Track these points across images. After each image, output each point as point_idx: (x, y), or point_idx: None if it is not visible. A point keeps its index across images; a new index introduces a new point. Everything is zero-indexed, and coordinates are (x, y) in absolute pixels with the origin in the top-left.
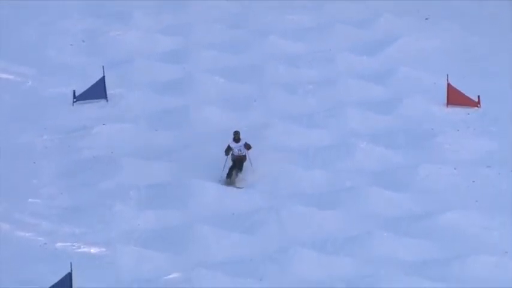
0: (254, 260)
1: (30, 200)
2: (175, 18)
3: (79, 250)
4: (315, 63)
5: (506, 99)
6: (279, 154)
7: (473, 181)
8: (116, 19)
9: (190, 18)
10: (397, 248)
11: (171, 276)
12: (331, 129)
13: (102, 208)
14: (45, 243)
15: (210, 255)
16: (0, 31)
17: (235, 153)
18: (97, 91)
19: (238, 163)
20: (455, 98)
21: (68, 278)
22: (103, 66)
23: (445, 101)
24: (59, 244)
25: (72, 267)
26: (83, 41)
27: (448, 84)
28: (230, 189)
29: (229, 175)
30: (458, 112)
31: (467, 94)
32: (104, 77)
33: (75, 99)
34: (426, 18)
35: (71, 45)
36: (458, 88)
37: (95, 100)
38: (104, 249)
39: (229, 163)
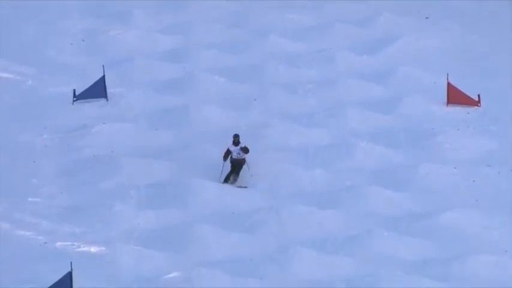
0: (254, 260)
1: (30, 199)
2: (175, 18)
3: (79, 249)
4: (315, 63)
5: (506, 99)
6: (279, 153)
7: (474, 180)
8: (116, 18)
9: (190, 18)
10: (397, 248)
11: (171, 275)
12: (331, 128)
13: (102, 207)
14: (45, 243)
15: (210, 254)
16: (0, 30)
17: (234, 157)
18: (97, 90)
19: (237, 166)
20: (455, 97)
21: (68, 277)
22: (103, 66)
23: (445, 100)
24: (59, 243)
25: (72, 266)
26: (83, 40)
27: (448, 84)
28: (230, 188)
29: (226, 180)
30: (459, 111)
31: (467, 93)
32: (104, 76)
33: (75, 99)
34: (426, 18)
35: (71, 44)
36: (459, 87)
37: (95, 99)
38: (104, 249)
39: (227, 167)
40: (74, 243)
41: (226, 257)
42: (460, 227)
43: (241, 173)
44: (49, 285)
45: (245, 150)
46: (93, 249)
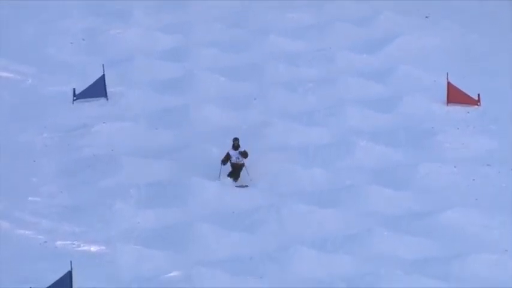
0: (254, 259)
1: (30, 198)
2: (175, 17)
3: (79, 249)
4: (315, 62)
5: (506, 98)
6: (279, 153)
7: (473, 179)
8: (116, 17)
9: (190, 17)
10: (397, 247)
11: (171, 274)
12: (331, 127)
13: (102, 207)
14: (45, 242)
15: (210, 253)
16: (0, 29)
17: (233, 161)
18: (97, 89)
19: (236, 169)
20: (455, 96)
21: (68, 276)
22: (103, 65)
23: (445, 100)
24: (59, 242)
25: (72, 265)
26: (83, 40)
27: (448, 83)
28: (230, 188)
29: (229, 175)
30: (458, 110)
31: (467, 92)
32: (104, 75)
33: (75, 98)
34: (426, 17)
35: (71, 43)
36: (459, 86)
37: (95, 98)
38: (103, 248)
39: (224, 170)
40: (74, 242)
41: (226, 256)
42: (460, 226)
43: (241, 173)
44: (49, 284)
45: (244, 154)
46: (93, 248)
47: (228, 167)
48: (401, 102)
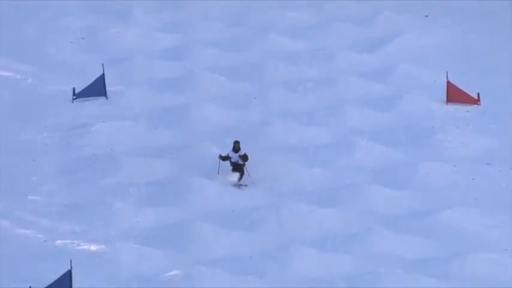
0: (254, 258)
1: (30, 197)
2: (175, 16)
3: (79, 248)
4: (315, 61)
5: (506, 97)
6: (279, 152)
7: (473, 179)
8: (116, 17)
9: (190, 16)
10: (397, 246)
11: (170, 273)
12: (331, 127)
13: (102, 206)
14: (45, 241)
15: (210, 252)
16: (0, 29)
17: (233, 161)
18: (97, 88)
19: (236, 168)
20: (455, 95)
21: (68, 275)
22: (103, 64)
23: (445, 99)
24: (58, 242)
25: (72, 264)
26: (83, 39)
27: (448, 82)
28: (230, 187)
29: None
30: (458, 109)
31: (467, 91)
32: (103, 74)
33: (74, 97)
34: (426, 16)
35: (71, 42)
36: (458, 85)
37: (95, 98)
38: (103, 247)
39: (223, 166)
40: (74, 241)
41: (226, 255)
42: (460, 226)
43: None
44: (49, 283)
45: (244, 158)
46: (92, 247)
47: (227, 164)
48: (401, 102)
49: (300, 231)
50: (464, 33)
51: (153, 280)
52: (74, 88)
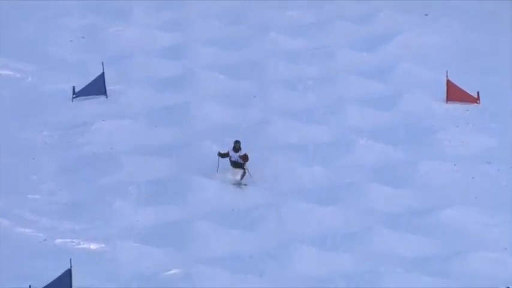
0: (254, 257)
1: (29, 196)
2: (175, 15)
3: (79, 246)
4: (315, 60)
5: (505, 96)
6: (278, 150)
7: (473, 177)
8: (116, 15)
9: (190, 15)
10: (397, 244)
11: (170, 272)
12: (331, 125)
13: (101, 204)
14: (45, 240)
15: (210, 251)
16: (0, 27)
17: (233, 159)
18: (97, 87)
19: (238, 167)
20: (454, 94)
21: (68, 274)
22: (102, 63)
23: (445, 97)
24: (58, 240)
25: (72, 263)
26: (83, 37)
27: (448, 81)
28: (230, 185)
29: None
30: (458, 108)
31: (466, 90)
32: (103, 73)
33: (74, 96)
34: (426, 15)
35: (71, 41)
36: (458, 84)
37: (95, 96)
38: (103, 246)
39: (222, 164)
40: (74, 240)
41: (226, 254)
42: (460, 224)
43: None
44: (49, 282)
45: (244, 158)
46: (92, 246)
47: (226, 162)
48: (401, 100)
49: (300, 230)
50: (464, 32)
51: (153, 279)
52: (73, 87)
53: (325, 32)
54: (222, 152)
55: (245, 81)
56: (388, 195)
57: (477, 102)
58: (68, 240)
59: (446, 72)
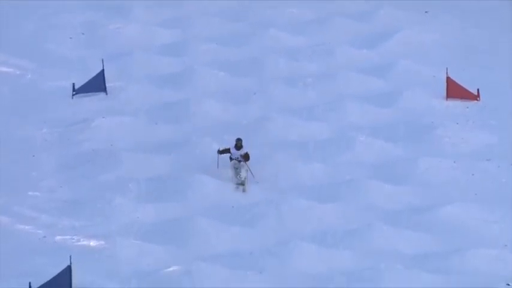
0: (254, 253)
1: (29, 193)
2: (175, 12)
3: (78, 243)
4: (315, 57)
5: (505, 93)
6: (278, 147)
7: (473, 174)
8: (116, 12)
9: (190, 12)
10: (397, 241)
11: (170, 269)
12: (331, 122)
13: (101, 201)
14: (45, 237)
15: (210, 248)
16: None
17: (233, 157)
18: (96, 84)
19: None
20: (454, 91)
21: (68, 271)
22: (102, 59)
23: (445, 94)
24: (58, 237)
25: (72, 260)
26: (83, 34)
27: (448, 78)
28: (230, 182)
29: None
30: (458, 105)
31: (466, 87)
32: (103, 70)
33: (74, 92)
34: (426, 12)
35: (71, 38)
36: (458, 81)
37: (95, 93)
38: (103, 242)
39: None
40: (74, 237)
41: (226, 250)
42: (460, 221)
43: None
44: (48, 279)
45: (245, 157)
46: (92, 243)
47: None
48: (401, 97)
49: (300, 227)
50: (464, 29)
51: (153, 276)
52: (73, 84)
53: (325, 29)
54: (222, 148)
55: (245, 78)
56: (388, 192)
57: (477, 99)
58: (68, 237)
59: (446, 69)
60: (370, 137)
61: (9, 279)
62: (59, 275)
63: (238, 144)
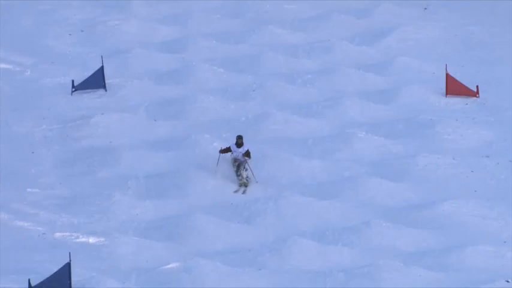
0: (253, 250)
1: (29, 189)
2: (174, 8)
3: (78, 240)
4: (314, 53)
5: (505, 89)
6: (277, 144)
7: (472, 171)
8: (115, 8)
9: (189, 8)
10: (396, 238)
11: (169, 266)
12: (330, 119)
13: (101, 198)
14: (44, 233)
15: (209, 244)
16: None
17: (233, 156)
18: (96, 81)
19: (237, 167)
20: (454, 87)
21: (67, 268)
22: (102, 56)
23: (444, 91)
24: (57, 234)
25: (71, 257)
26: (82, 31)
27: (447, 75)
28: (229, 179)
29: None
30: (457, 102)
31: (466, 84)
32: (102, 66)
33: (73, 89)
34: (425, 8)
35: (70, 34)
36: (457, 78)
37: (94, 90)
38: (102, 239)
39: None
40: (73, 233)
41: (225, 247)
42: (459, 218)
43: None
44: (48, 275)
45: (247, 155)
46: (91, 239)
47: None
48: (400, 94)
49: (299, 224)
50: (464, 25)
51: (152, 272)
52: (73, 80)
53: (324, 26)
54: (224, 148)
55: (244, 75)
56: (387, 189)
57: (476, 96)
58: (67, 233)
59: (446, 65)
60: (369, 134)
61: (8, 275)
62: (58, 271)
63: (239, 142)
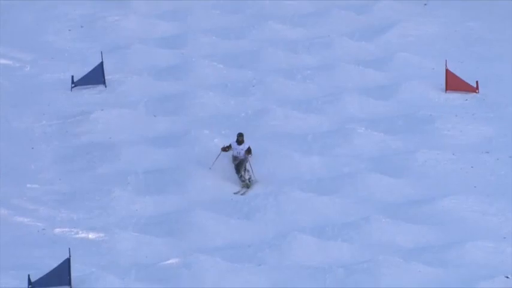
0: (253, 246)
1: (28, 185)
2: (174, 4)
3: (77, 236)
4: (314, 49)
5: (505, 85)
6: (277, 140)
7: (472, 167)
8: (115, 4)
9: (189, 4)
10: (396, 234)
11: (169, 261)
12: (329, 114)
13: (100, 193)
14: (44, 229)
15: (209, 240)
16: None
17: (234, 154)
18: (95, 76)
19: (238, 165)
20: (453, 83)
21: (67, 263)
22: (101, 52)
23: (444, 87)
24: (57, 230)
25: (71, 252)
26: (82, 26)
27: (447, 70)
28: (228, 175)
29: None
30: (457, 98)
31: (465, 79)
32: (102, 62)
33: (73, 85)
34: (425, 4)
35: (70, 30)
36: (457, 73)
37: (94, 86)
38: (102, 235)
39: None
40: (72, 229)
41: (225, 243)
42: (459, 214)
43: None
44: (47, 271)
45: (248, 152)
46: (91, 235)
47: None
48: (399, 90)
49: (299, 219)
50: (463, 21)
51: (152, 268)
52: (72, 76)
53: (324, 21)
54: (225, 146)
55: (244, 71)
56: (387, 185)
57: (476, 92)
58: (67, 229)
59: (446, 61)
60: (369, 130)
61: (8, 271)
62: (58, 267)
63: (240, 139)
